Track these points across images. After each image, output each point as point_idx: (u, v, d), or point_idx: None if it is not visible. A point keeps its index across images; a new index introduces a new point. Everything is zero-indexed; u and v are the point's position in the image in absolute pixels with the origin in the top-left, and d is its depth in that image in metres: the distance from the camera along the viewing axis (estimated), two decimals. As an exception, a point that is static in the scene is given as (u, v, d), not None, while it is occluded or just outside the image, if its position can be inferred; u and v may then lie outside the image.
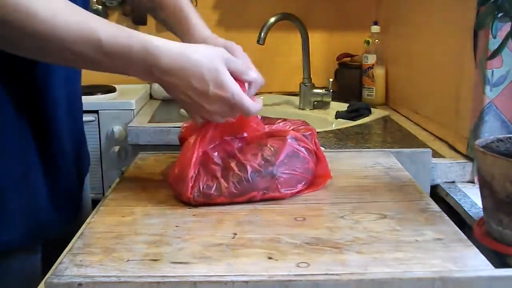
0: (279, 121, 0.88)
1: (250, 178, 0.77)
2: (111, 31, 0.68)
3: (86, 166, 0.98)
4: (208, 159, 0.79)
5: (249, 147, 0.81)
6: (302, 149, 0.81)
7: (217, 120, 0.77)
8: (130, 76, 0.73)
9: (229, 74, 0.73)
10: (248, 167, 0.77)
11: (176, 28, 0.95)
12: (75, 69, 0.87)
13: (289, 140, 0.80)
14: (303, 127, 0.86)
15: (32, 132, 0.78)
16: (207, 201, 0.77)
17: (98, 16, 0.69)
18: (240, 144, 0.82)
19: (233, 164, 0.78)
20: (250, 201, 0.78)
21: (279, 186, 0.78)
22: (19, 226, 0.77)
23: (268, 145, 0.80)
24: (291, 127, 0.86)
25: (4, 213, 0.76)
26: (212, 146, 0.80)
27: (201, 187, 0.77)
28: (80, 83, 0.92)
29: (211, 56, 0.73)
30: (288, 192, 0.79)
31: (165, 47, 0.70)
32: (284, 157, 0.79)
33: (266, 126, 0.87)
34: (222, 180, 0.77)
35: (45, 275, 0.60)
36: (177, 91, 0.73)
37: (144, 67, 0.70)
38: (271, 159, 0.78)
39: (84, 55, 0.67)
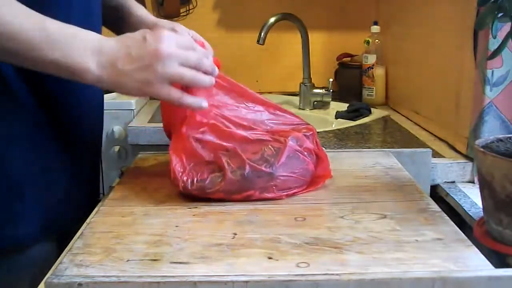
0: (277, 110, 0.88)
1: (248, 176, 0.77)
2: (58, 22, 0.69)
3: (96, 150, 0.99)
4: (204, 146, 0.80)
5: (250, 144, 0.81)
6: (303, 151, 0.81)
7: (186, 76, 0.73)
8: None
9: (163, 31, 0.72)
10: (247, 165, 0.77)
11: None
12: None
13: (290, 142, 0.80)
14: (303, 126, 0.86)
15: (50, 125, 0.79)
16: (201, 194, 0.77)
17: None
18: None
19: (232, 160, 0.78)
20: (247, 199, 0.78)
21: (276, 187, 0.78)
22: (36, 219, 0.79)
23: (269, 146, 0.80)
24: (291, 127, 0.86)
25: (22, 207, 0.77)
26: (202, 130, 0.80)
27: (195, 180, 0.77)
28: None
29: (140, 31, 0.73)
30: (284, 193, 0.80)
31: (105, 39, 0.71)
32: (284, 159, 0.79)
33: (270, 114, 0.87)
34: (217, 174, 0.77)
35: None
36: (124, 70, 0.71)
37: (92, 49, 0.69)
38: (271, 160, 0.78)
39: (28, 39, 0.66)
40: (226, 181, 0.77)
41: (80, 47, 0.69)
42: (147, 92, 0.73)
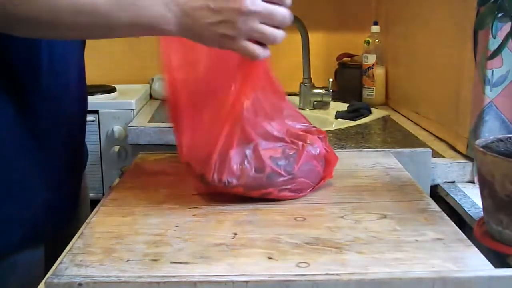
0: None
1: (270, 176, 0.76)
2: None
3: (84, 161, 0.98)
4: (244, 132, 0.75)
5: (269, 142, 0.79)
6: (317, 157, 0.81)
7: (266, 35, 0.71)
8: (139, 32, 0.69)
9: None
10: (268, 162, 0.76)
11: None
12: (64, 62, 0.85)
13: (309, 148, 0.80)
14: (315, 129, 0.86)
15: (25, 134, 0.77)
16: (220, 189, 0.76)
17: None
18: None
19: (254, 155, 0.77)
20: (264, 197, 0.77)
21: (290, 190, 0.78)
22: (15, 231, 0.78)
23: (289, 147, 0.79)
24: (303, 127, 0.85)
25: (2, 215, 0.76)
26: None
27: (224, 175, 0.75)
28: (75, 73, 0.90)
29: None
30: (298, 194, 0.80)
31: None
32: (303, 160, 0.79)
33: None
34: (245, 168, 0.76)
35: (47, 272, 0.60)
36: (203, 22, 0.68)
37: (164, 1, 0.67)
38: (290, 160, 0.78)
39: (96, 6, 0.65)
40: (248, 177, 0.76)
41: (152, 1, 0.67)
42: (226, 46, 0.71)
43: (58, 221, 0.83)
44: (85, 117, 0.95)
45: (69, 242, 0.69)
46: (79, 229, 0.71)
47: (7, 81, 0.75)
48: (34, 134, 0.79)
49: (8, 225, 0.77)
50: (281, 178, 0.77)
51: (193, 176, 0.79)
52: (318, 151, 0.81)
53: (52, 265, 0.64)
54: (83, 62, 0.91)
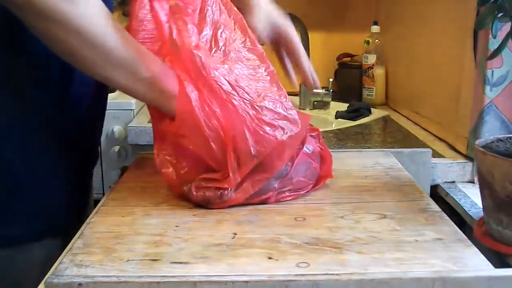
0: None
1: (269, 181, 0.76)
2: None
3: (94, 159, 0.99)
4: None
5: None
6: (312, 155, 0.81)
7: None
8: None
9: None
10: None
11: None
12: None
13: (304, 149, 0.80)
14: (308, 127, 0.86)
15: (49, 127, 0.79)
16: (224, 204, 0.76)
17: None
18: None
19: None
20: (263, 203, 0.77)
21: (289, 191, 0.78)
22: (28, 222, 0.78)
23: None
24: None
25: (13, 210, 0.76)
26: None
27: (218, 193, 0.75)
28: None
29: None
30: (296, 194, 0.79)
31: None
32: (298, 161, 0.78)
33: None
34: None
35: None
36: None
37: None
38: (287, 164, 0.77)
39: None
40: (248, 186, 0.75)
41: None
42: None
43: (68, 215, 0.84)
44: (104, 112, 0.96)
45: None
46: None
47: (45, 84, 0.77)
48: (62, 133, 0.80)
49: (18, 218, 0.78)
50: (278, 181, 0.77)
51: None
52: (312, 149, 0.81)
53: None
54: None
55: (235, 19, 0.80)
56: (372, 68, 1.76)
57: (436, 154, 1.15)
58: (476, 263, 0.60)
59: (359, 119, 1.57)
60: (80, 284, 0.56)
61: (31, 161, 0.77)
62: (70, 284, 0.56)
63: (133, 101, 1.66)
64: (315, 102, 1.76)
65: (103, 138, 1.65)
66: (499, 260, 0.75)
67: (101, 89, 0.90)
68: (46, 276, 0.58)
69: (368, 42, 1.76)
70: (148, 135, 1.46)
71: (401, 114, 1.62)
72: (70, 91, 0.81)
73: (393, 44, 1.73)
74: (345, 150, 1.19)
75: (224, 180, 0.74)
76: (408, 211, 0.75)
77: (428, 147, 1.21)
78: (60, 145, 0.81)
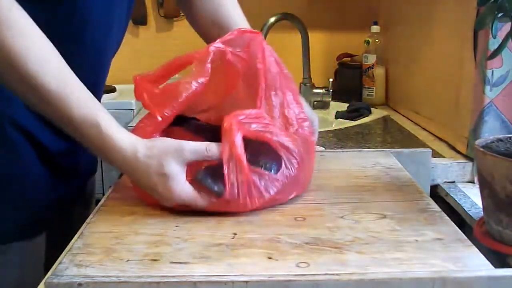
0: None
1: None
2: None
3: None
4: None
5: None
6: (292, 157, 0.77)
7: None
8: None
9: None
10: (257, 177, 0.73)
11: None
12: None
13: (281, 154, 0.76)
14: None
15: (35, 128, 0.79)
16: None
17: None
18: None
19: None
20: (258, 209, 0.75)
21: (288, 188, 0.77)
22: (15, 219, 0.78)
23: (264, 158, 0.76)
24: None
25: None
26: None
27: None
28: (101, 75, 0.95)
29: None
30: (300, 191, 0.79)
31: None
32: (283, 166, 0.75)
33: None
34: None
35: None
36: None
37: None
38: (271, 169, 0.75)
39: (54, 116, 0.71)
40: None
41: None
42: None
43: (60, 213, 0.84)
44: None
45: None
46: None
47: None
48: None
49: (5, 213, 0.78)
50: (272, 186, 0.74)
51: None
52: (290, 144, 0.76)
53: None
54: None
55: None
56: (372, 68, 1.76)
57: (436, 154, 1.15)
58: (476, 263, 0.60)
59: (359, 119, 1.57)
60: (80, 284, 0.56)
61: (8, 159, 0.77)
62: (70, 284, 0.56)
63: (133, 101, 1.66)
64: (315, 102, 1.76)
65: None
66: (499, 260, 0.74)
67: (96, 91, 0.90)
68: (46, 276, 0.58)
69: (368, 42, 1.76)
70: (148, 135, 1.46)
71: (401, 114, 1.62)
72: None
73: (393, 44, 1.73)
74: (345, 150, 1.19)
75: None
76: (408, 211, 0.75)
77: (428, 147, 1.21)
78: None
